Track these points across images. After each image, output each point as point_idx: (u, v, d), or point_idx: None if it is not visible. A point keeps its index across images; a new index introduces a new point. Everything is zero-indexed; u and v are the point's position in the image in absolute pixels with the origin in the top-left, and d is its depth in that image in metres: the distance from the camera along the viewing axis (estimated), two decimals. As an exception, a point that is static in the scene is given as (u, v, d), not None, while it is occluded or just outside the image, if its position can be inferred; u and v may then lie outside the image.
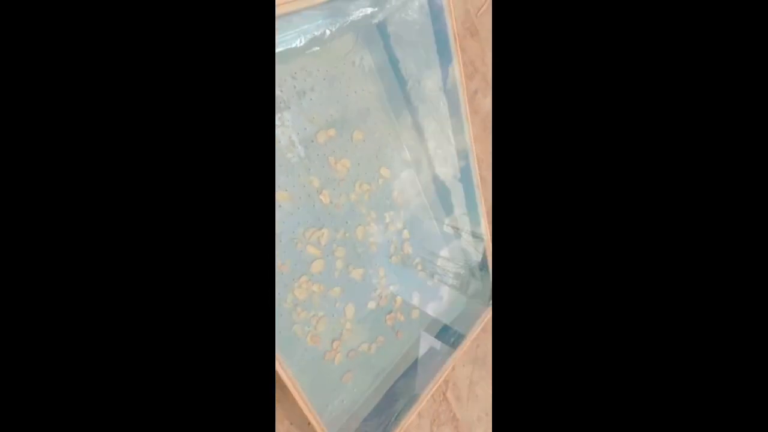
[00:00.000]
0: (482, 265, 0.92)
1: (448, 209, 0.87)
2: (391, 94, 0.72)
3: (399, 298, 0.79)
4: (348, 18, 0.57)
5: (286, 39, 0.52)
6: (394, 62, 0.67)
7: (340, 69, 0.65)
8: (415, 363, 0.79)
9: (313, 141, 0.64)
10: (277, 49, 0.52)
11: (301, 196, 0.63)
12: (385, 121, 0.73)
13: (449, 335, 0.85)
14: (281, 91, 0.60)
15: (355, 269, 0.71)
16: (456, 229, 0.89)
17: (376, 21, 0.63)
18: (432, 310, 0.85)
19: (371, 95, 0.70)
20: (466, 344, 0.83)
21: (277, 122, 0.60)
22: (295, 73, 0.60)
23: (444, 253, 0.88)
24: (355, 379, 0.72)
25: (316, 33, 0.54)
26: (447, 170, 0.83)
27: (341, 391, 0.71)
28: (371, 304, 0.74)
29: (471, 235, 0.89)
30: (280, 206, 0.61)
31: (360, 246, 0.71)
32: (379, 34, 0.65)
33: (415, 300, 0.82)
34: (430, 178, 0.82)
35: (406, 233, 0.78)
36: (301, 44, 0.53)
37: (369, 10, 0.59)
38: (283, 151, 0.61)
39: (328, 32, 0.55)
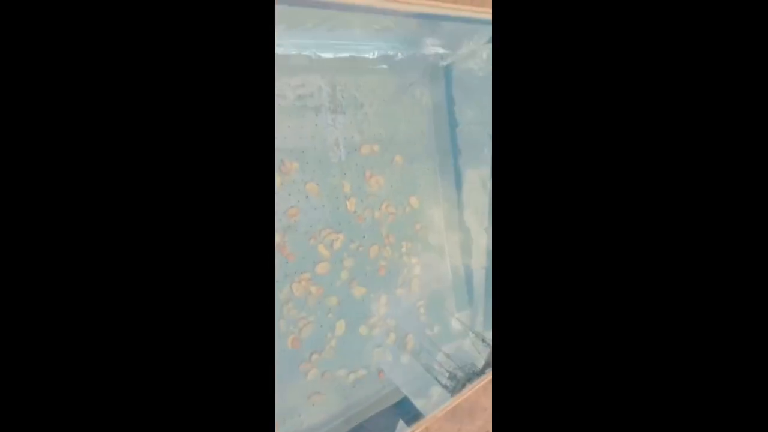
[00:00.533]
0: (482, 372, 0.85)
1: (469, 299, 0.84)
2: (440, 135, 0.75)
3: (392, 335, 0.74)
4: (420, 50, 0.63)
5: (363, 48, 0.57)
6: (450, 104, 0.72)
7: (400, 97, 0.70)
8: (388, 412, 0.72)
9: (356, 150, 0.67)
10: (348, 54, 0.58)
11: (329, 196, 0.65)
12: (427, 156, 0.76)
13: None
14: (342, 96, 0.64)
15: (358, 286, 0.69)
16: (466, 326, 0.86)
17: (444, 63, 0.69)
18: (417, 404, 0.78)
19: (421, 128, 0.73)
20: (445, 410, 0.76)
21: (329, 122, 0.64)
22: (360, 86, 0.65)
23: (446, 348, 0.83)
24: (322, 404, 0.66)
25: (389, 52, 0.60)
26: (473, 248, 0.82)
27: (304, 410, 0.65)
28: (363, 330, 0.70)
29: (480, 339, 0.85)
30: (307, 197, 0.62)
31: (369, 264, 0.70)
32: (444, 75, 0.70)
33: (409, 345, 0.77)
34: (457, 237, 0.81)
35: (417, 270, 0.76)
36: (374, 57, 0.58)
37: (441, 50, 0.65)
38: (326, 149, 0.64)
39: (399, 56, 0.60)
